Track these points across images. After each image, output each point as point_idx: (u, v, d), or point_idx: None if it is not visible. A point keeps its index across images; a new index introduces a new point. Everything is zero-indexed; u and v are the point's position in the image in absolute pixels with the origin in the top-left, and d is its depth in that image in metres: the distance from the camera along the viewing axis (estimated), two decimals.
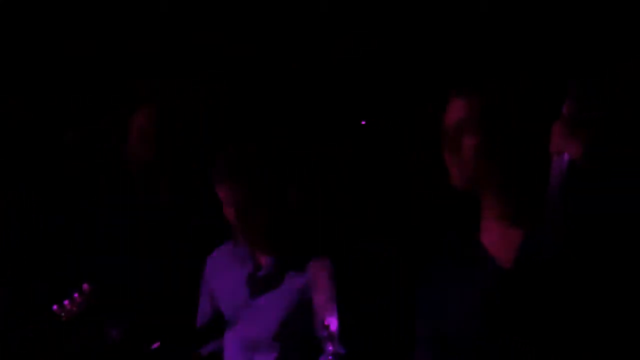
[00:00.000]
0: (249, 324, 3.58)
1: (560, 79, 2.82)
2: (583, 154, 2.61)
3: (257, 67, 4.83)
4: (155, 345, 3.66)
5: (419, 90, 4.48)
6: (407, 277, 3.53)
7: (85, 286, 3.64)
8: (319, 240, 3.58)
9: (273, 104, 4.76)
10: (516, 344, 2.64)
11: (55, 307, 3.62)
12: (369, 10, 4.67)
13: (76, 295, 3.62)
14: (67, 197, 4.47)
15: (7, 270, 4.31)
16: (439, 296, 2.80)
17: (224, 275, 3.70)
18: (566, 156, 2.63)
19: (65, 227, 4.32)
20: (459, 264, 2.81)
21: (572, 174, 2.60)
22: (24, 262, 4.31)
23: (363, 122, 4.61)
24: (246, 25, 4.81)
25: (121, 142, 4.26)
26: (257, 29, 4.81)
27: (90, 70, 4.86)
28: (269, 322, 3.53)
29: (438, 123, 2.83)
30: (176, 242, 4.06)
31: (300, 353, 3.50)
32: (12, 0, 4.81)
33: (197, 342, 3.77)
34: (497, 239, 2.76)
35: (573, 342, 2.61)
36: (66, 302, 3.62)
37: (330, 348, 3.16)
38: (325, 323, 3.22)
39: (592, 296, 2.61)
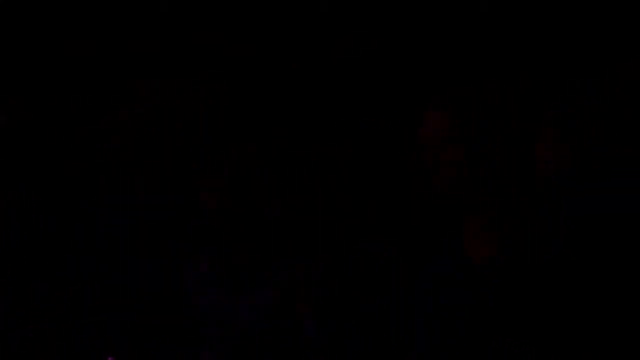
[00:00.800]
0: (226, 328, 3.58)
1: (550, 83, 2.84)
2: (565, 159, 2.61)
3: (257, 67, 4.83)
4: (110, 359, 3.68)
5: (419, 90, 4.47)
6: (407, 277, 3.53)
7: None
8: (319, 240, 3.58)
9: (273, 104, 4.75)
10: (501, 343, 2.64)
11: None
12: (369, 10, 4.67)
13: None
14: (67, 197, 4.47)
15: (7, 270, 4.31)
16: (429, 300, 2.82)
17: (201, 282, 3.70)
18: (550, 164, 2.63)
19: (65, 227, 4.32)
20: (442, 268, 2.82)
21: (565, 177, 2.60)
22: (24, 262, 4.31)
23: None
24: (246, 25, 4.81)
25: (122, 142, 4.26)
26: (257, 29, 4.81)
27: (90, 70, 4.86)
28: (246, 326, 3.53)
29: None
30: (176, 242, 4.07)
31: (278, 357, 3.50)
32: (12, 0, 4.81)
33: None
34: (479, 242, 2.76)
35: (561, 342, 2.62)
36: None
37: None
38: (304, 327, 3.22)
39: (588, 296, 2.62)
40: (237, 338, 3.62)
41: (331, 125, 4.67)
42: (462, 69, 4.28)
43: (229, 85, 4.82)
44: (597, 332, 2.58)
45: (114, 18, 4.85)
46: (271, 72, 4.82)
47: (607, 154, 2.60)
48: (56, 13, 4.84)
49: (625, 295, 2.58)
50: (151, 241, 4.10)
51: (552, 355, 2.59)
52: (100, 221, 4.23)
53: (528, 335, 2.62)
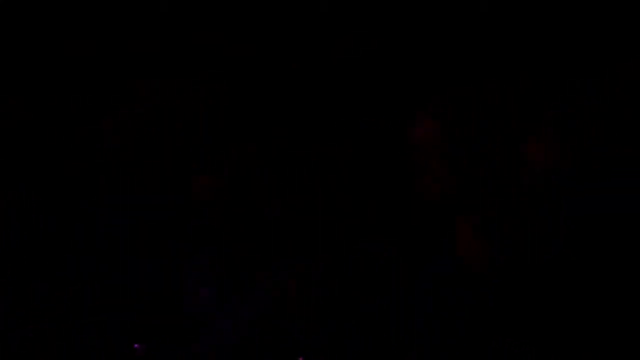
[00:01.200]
0: (226, 327, 3.58)
1: (540, 84, 2.84)
2: (565, 159, 2.62)
3: (257, 67, 4.83)
4: (137, 346, 3.68)
5: (419, 90, 4.47)
6: (407, 277, 3.53)
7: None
8: (319, 240, 3.58)
9: (273, 104, 4.75)
10: (501, 343, 2.64)
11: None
12: (369, 10, 4.67)
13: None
14: (67, 197, 4.47)
15: (7, 270, 4.31)
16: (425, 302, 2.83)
17: (201, 281, 3.70)
18: (550, 164, 2.64)
19: (65, 227, 4.32)
20: (442, 268, 2.83)
21: (565, 177, 2.60)
22: (24, 262, 4.31)
23: None
24: (246, 25, 4.81)
25: (122, 142, 4.26)
26: (257, 29, 4.81)
27: (90, 70, 4.86)
28: (246, 325, 3.53)
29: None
30: (176, 242, 4.07)
31: (278, 357, 3.51)
32: (12, 0, 4.81)
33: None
34: (472, 246, 2.77)
35: (555, 342, 2.62)
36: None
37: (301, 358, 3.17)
38: (294, 330, 3.22)
39: (588, 296, 2.62)
40: (237, 338, 3.62)
41: (331, 125, 4.67)
42: (462, 68, 4.28)
43: (229, 85, 4.82)
44: (597, 332, 2.58)
45: (114, 18, 4.85)
46: (271, 72, 4.82)
47: (607, 154, 2.60)
48: (56, 13, 4.84)
49: (625, 295, 2.58)
50: (151, 241, 4.10)
51: (552, 355, 2.59)
52: (100, 221, 4.24)
53: (528, 335, 2.62)
